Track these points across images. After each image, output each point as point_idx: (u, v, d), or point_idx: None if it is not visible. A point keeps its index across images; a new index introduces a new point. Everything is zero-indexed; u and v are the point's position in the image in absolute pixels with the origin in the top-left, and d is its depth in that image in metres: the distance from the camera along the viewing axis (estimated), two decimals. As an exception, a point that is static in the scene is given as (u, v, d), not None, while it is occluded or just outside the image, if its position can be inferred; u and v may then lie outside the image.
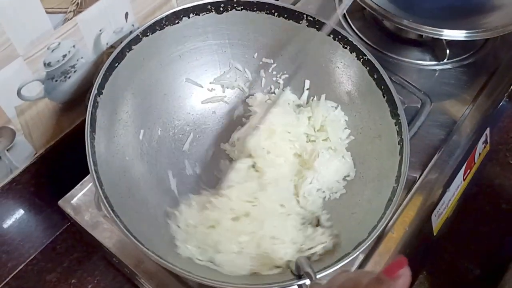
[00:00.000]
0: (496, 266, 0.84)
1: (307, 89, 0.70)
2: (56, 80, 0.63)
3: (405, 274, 0.35)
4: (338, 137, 0.67)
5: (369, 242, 0.52)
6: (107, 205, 0.50)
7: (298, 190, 0.63)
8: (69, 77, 0.64)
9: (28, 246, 0.76)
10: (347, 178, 0.64)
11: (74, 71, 0.65)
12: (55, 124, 0.67)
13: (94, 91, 0.56)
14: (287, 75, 0.71)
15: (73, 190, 0.67)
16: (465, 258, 0.84)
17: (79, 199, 0.67)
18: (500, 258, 0.84)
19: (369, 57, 0.64)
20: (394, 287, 0.35)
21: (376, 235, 0.53)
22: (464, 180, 0.78)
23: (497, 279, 0.83)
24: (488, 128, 0.82)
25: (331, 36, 0.66)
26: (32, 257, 0.76)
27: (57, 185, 0.70)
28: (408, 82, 0.79)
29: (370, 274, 0.38)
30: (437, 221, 0.74)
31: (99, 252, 0.76)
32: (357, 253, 0.52)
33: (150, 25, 0.62)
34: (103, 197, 0.50)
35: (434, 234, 0.75)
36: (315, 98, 0.70)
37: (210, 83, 0.70)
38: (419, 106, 0.76)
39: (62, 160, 0.71)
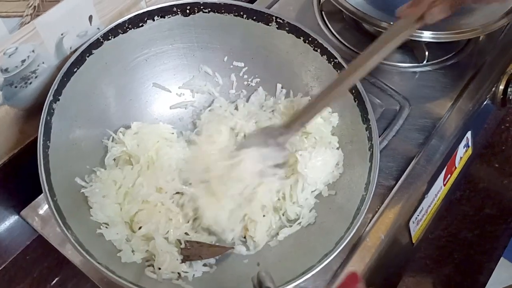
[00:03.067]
0: (480, 273, 0.81)
1: (281, 91, 0.68)
2: (16, 86, 0.60)
3: None
4: (317, 127, 0.63)
5: (335, 254, 0.50)
6: (58, 218, 0.48)
7: (291, 197, 0.61)
8: (30, 83, 0.62)
9: (-3, 256, 0.74)
10: (338, 166, 0.62)
11: (36, 77, 0.62)
12: (18, 132, 0.65)
13: (49, 97, 0.54)
14: (258, 79, 0.69)
15: (37, 200, 0.65)
16: (448, 265, 0.82)
17: (46, 211, 0.65)
18: (483, 265, 0.82)
19: (339, 60, 0.62)
20: None
21: (342, 246, 0.50)
22: (444, 185, 0.76)
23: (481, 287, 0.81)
24: (470, 132, 0.80)
25: (302, 38, 0.64)
26: (1, 267, 0.74)
27: (24, 194, 0.67)
28: (387, 85, 0.77)
29: None
30: (416, 228, 0.72)
31: (70, 262, 0.74)
32: (322, 265, 0.50)
33: (112, 28, 0.60)
34: (54, 211, 0.48)
35: (413, 242, 0.73)
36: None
37: (179, 87, 0.68)
38: (397, 110, 0.74)
39: (28, 169, 0.68)
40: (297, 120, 0.57)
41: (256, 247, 0.58)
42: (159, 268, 0.53)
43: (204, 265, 0.57)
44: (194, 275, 0.54)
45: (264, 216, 0.60)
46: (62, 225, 0.48)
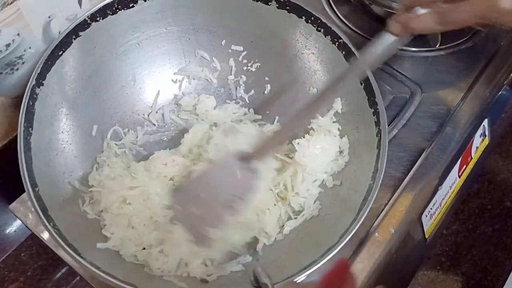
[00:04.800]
0: (501, 270, 0.76)
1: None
2: (1, 73, 0.57)
3: (348, 280, 0.29)
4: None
5: (339, 248, 0.46)
6: (39, 211, 0.45)
7: (292, 188, 0.57)
8: (17, 70, 0.59)
9: (-11, 254, 0.71)
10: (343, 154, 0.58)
11: (23, 63, 0.59)
12: (5, 122, 0.62)
13: (31, 81, 0.50)
14: (258, 64, 0.65)
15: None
16: (466, 262, 0.77)
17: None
18: (504, 262, 0.77)
19: (344, 40, 0.57)
20: None
21: (347, 239, 0.46)
22: (459, 176, 0.71)
23: (500, 286, 0.76)
24: (487, 119, 0.75)
25: (304, 18, 0.60)
26: (-6, 265, 0.71)
27: (15, 188, 0.64)
28: (397, 71, 0.73)
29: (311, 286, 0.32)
30: (429, 222, 0.67)
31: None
32: (325, 260, 0.46)
33: (100, 8, 0.56)
34: (34, 201, 0.45)
35: (427, 237, 0.68)
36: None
37: (174, 73, 0.65)
38: (408, 96, 0.70)
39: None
40: (262, 150, 0.52)
41: (269, 238, 0.54)
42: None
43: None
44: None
45: (275, 204, 0.56)
46: (43, 217, 0.44)
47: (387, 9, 0.71)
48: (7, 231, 0.73)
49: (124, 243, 0.51)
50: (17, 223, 0.73)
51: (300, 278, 0.46)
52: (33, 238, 0.74)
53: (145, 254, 0.51)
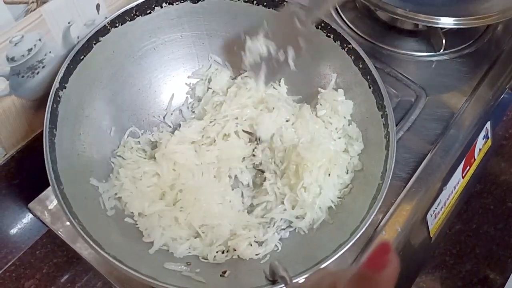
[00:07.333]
0: (503, 269, 0.78)
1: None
2: (23, 76, 0.59)
3: (391, 262, 0.30)
4: None
5: (350, 244, 0.48)
6: (65, 208, 0.46)
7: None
8: (38, 73, 0.61)
9: (6, 252, 0.73)
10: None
11: (43, 67, 0.61)
12: (25, 123, 0.64)
13: (55, 85, 0.52)
14: (269, 68, 0.67)
15: (45, 192, 0.64)
16: (469, 261, 0.78)
17: (56, 206, 0.63)
18: (507, 260, 0.79)
19: (353, 46, 0.59)
20: (380, 281, 0.29)
21: (357, 236, 0.48)
22: (463, 177, 0.73)
23: (503, 284, 0.78)
24: (489, 122, 0.77)
25: (313, 24, 0.62)
26: (10, 263, 0.73)
27: (32, 188, 0.66)
28: (402, 75, 0.75)
29: (351, 270, 0.33)
30: (434, 221, 0.69)
31: (81, 258, 0.73)
32: (337, 255, 0.48)
33: (119, 15, 0.58)
34: (60, 199, 0.47)
35: (431, 235, 0.70)
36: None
37: (188, 77, 0.67)
38: (413, 100, 0.72)
39: (37, 162, 0.67)
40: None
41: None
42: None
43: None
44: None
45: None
46: (69, 214, 0.46)
47: (391, 15, 0.73)
48: (23, 229, 0.75)
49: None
50: (32, 221, 0.74)
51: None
52: (48, 237, 0.76)
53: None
